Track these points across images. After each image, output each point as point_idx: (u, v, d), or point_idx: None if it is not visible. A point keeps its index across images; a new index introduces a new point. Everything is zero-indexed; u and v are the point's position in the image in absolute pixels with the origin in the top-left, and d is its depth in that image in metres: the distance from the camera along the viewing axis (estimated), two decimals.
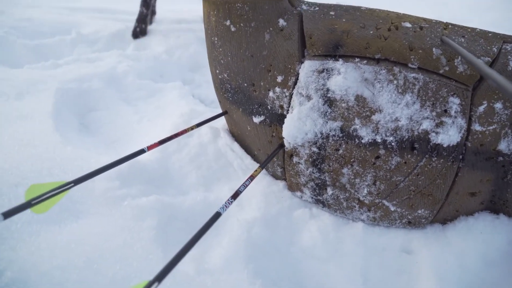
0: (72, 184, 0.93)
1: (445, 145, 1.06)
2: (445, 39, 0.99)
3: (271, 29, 1.15)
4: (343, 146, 1.13)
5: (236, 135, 1.58)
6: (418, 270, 1.13)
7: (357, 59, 1.07)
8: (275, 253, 1.15)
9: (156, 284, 0.70)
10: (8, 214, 0.78)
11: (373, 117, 1.07)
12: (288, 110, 1.21)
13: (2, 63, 2.22)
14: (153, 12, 3.40)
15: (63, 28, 3.20)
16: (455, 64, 1.01)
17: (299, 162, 1.23)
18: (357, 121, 1.09)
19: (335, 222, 1.27)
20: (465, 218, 1.23)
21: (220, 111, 1.58)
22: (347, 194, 1.22)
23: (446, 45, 1.01)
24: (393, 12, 1.13)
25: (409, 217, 1.22)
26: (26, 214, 1.04)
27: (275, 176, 1.44)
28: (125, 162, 1.10)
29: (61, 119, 1.64)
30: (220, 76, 1.39)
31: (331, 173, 1.20)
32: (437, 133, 1.05)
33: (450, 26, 1.08)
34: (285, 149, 1.25)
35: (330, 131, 1.13)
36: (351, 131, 1.11)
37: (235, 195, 1.04)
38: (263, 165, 1.19)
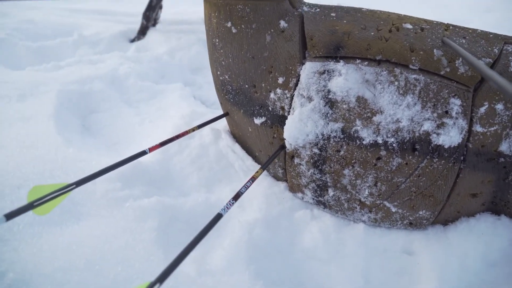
0: (74, 186, 0.93)
1: (446, 146, 1.06)
2: (446, 40, 0.99)
3: (272, 30, 1.16)
4: (344, 147, 1.13)
5: (237, 137, 1.58)
6: (419, 271, 1.13)
7: (358, 61, 1.07)
8: (276, 254, 1.16)
9: (157, 285, 0.70)
10: (10, 216, 0.79)
11: (374, 118, 1.08)
12: (289, 111, 1.21)
13: (4, 65, 2.23)
14: (155, 21, 3.43)
15: (65, 30, 3.21)
16: (456, 65, 1.01)
17: (300, 163, 1.24)
18: (358, 122, 1.09)
19: (336, 223, 1.27)
20: (466, 219, 1.22)
21: (221, 112, 1.58)
22: (348, 195, 1.22)
23: (447, 46, 1.01)
24: (394, 13, 1.13)
25: (410, 218, 1.22)
26: (28, 216, 1.05)
27: (276, 177, 1.44)
28: (127, 164, 1.10)
29: (62, 121, 1.64)
30: (221, 78, 1.39)
31: (332, 174, 1.20)
32: (438, 134, 1.05)
33: (451, 27, 1.08)
34: (286, 150, 1.25)
35: (331, 132, 1.13)
36: (352, 132, 1.11)
37: (236, 197, 1.04)
38: (264, 166, 1.19)
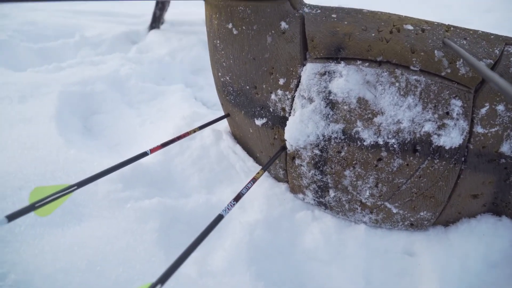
0: (75, 187, 0.93)
1: (447, 147, 1.06)
2: (447, 41, 1.00)
3: (273, 32, 1.16)
4: (345, 148, 1.14)
5: (238, 138, 1.59)
6: (420, 272, 1.13)
7: (359, 62, 1.07)
8: (277, 255, 1.16)
9: (159, 286, 0.70)
10: (12, 217, 0.79)
11: (375, 119, 1.08)
12: (290, 112, 1.22)
13: (5, 67, 2.23)
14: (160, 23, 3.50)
15: (67, 31, 3.22)
16: (457, 66, 1.01)
17: (301, 165, 1.24)
18: (359, 123, 1.09)
19: (337, 224, 1.27)
20: (467, 220, 1.22)
21: (222, 113, 1.58)
22: (349, 196, 1.22)
23: (448, 48, 1.01)
24: (394, 14, 1.13)
25: (411, 219, 1.22)
26: (30, 217, 1.05)
27: (277, 178, 1.44)
28: (128, 165, 1.10)
29: (64, 122, 1.65)
30: (222, 79, 1.39)
31: (333, 175, 1.20)
32: (439, 135, 1.05)
33: (452, 28, 1.08)
34: (287, 152, 1.25)
35: (332, 133, 1.13)
36: (353, 134, 1.11)
37: (237, 198, 1.04)
38: (265, 168, 1.20)
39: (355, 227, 1.27)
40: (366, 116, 1.08)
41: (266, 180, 1.42)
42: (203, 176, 1.44)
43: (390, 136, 1.08)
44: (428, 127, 1.05)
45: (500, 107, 1.02)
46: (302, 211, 1.30)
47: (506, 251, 1.14)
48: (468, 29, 1.08)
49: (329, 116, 1.12)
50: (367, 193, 1.19)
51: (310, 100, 1.13)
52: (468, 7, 4.73)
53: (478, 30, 1.08)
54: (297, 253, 1.18)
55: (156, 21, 3.38)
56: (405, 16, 1.12)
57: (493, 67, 1.01)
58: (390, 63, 1.05)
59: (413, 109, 1.05)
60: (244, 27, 1.18)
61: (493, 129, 1.05)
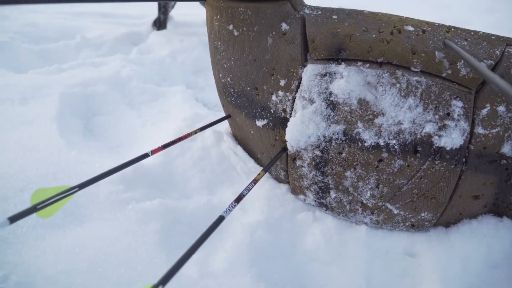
0: (77, 189, 0.93)
1: (448, 148, 1.06)
2: (448, 42, 1.00)
3: (274, 33, 1.16)
4: (346, 149, 1.14)
5: (239, 139, 1.59)
6: (422, 273, 1.13)
7: (359, 63, 1.07)
8: (278, 257, 1.16)
9: (160, 287, 0.70)
10: (14, 219, 0.79)
11: (376, 120, 1.08)
12: (291, 113, 1.22)
13: (6, 68, 2.24)
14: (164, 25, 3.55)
15: (68, 33, 3.23)
16: (458, 67, 1.01)
17: (302, 166, 1.24)
18: (360, 124, 1.09)
19: (338, 225, 1.27)
20: (468, 221, 1.22)
21: (223, 114, 1.58)
22: (350, 197, 1.22)
23: (448, 49, 1.01)
24: (395, 15, 1.13)
25: (412, 220, 1.22)
26: (31, 219, 1.05)
27: (278, 180, 1.44)
28: (129, 166, 1.10)
29: (65, 123, 1.65)
30: (223, 80, 1.39)
31: (334, 176, 1.20)
32: (440, 136, 1.05)
33: (453, 29, 1.08)
34: (288, 153, 1.25)
35: (333, 134, 1.13)
36: (354, 135, 1.11)
37: (238, 199, 1.04)
38: (266, 169, 1.20)
39: (356, 228, 1.27)
40: (367, 117, 1.08)
41: (267, 181, 1.42)
42: (204, 177, 1.44)
43: (391, 137, 1.08)
44: (429, 128, 1.05)
45: (501, 108, 1.02)
46: (303, 212, 1.30)
47: (507, 252, 1.14)
48: (469, 30, 1.08)
49: (330, 117, 1.12)
50: (368, 194, 1.19)
51: (311, 101, 1.13)
52: (468, 7, 4.73)
53: (479, 31, 1.08)
54: (298, 254, 1.18)
55: (162, 25, 3.41)
56: (405, 17, 1.12)
57: (493, 68, 1.01)
58: (391, 64, 1.06)
59: (414, 110, 1.05)
60: (245, 29, 1.18)
61: (494, 130, 1.05)
